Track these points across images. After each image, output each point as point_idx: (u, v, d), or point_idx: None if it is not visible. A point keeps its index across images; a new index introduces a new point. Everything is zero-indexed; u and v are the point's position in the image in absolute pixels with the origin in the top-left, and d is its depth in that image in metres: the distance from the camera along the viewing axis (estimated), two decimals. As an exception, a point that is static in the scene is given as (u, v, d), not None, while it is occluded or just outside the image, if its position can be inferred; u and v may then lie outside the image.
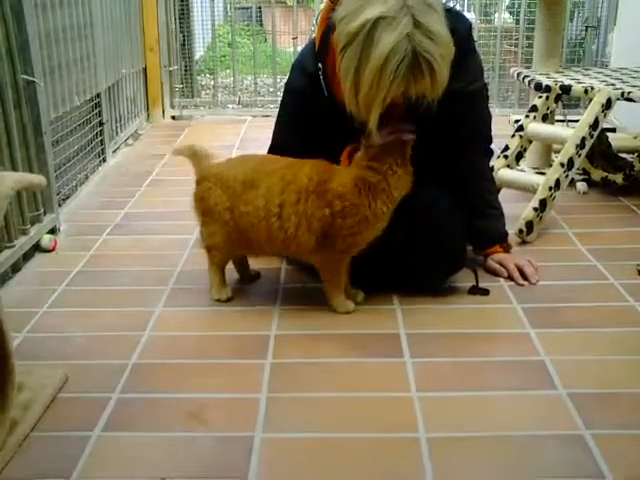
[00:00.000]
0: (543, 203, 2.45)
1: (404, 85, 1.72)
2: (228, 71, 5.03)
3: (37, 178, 1.55)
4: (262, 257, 2.10)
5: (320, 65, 1.95)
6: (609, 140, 2.99)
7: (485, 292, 2.04)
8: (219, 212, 1.93)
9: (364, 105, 1.76)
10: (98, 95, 3.37)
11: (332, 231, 1.86)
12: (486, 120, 2.18)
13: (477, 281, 2.05)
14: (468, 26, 2.04)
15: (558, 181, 2.49)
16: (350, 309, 1.96)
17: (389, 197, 1.85)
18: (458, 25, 1.91)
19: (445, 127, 1.99)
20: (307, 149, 1.93)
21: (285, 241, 1.89)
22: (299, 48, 4.27)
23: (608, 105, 2.60)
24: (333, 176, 1.87)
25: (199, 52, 5.16)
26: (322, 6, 1.98)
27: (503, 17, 4.75)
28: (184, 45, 4.61)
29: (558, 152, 2.64)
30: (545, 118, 2.76)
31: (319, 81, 1.96)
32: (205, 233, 2.02)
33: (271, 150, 2.13)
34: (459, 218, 2.04)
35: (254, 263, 2.17)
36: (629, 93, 2.62)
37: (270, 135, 2.17)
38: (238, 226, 1.93)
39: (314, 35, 2.01)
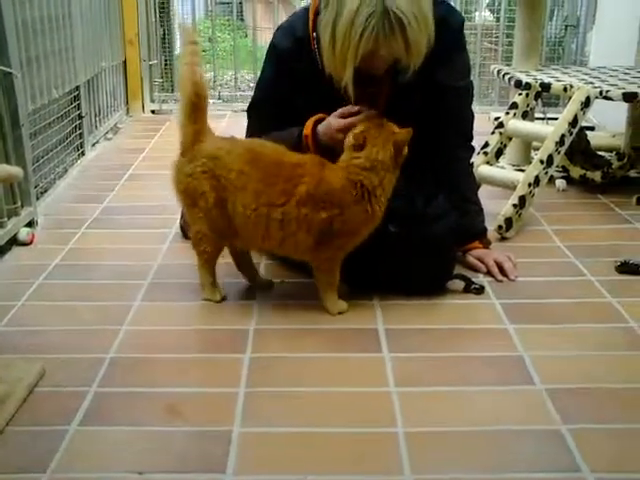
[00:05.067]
0: (522, 200, 2.46)
1: (374, 40, 1.76)
2: (208, 66, 5.00)
3: (14, 169, 1.55)
4: (248, 250, 2.02)
5: (315, 34, 1.94)
6: (588, 138, 3.01)
7: (480, 290, 2.03)
8: (206, 199, 1.85)
9: (339, 61, 1.81)
10: (77, 88, 3.34)
11: (330, 232, 1.82)
12: (469, 118, 2.20)
13: (470, 280, 2.03)
14: (461, 21, 2.07)
15: (537, 178, 2.50)
16: (344, 309, 1.92)
17: (384, 199, 1.84)
18: (451, 17, 1.96)
19: (428, 122, 1.99)
20: (285, 117, 1.96)
21: (283, 240, 1.84)
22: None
23: (587, 103, 2.61)
24: (330, 178, 1.81)
25: (179, 46, 5.13)
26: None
27: (484, 15, 4.78)
28: (164, 39, 4.59)
29: (538, 149, 2.65)
30: (525, 115, 2.77)
31: (306, 49, 1.95)
32: (189, 216, 1.94)
33: (250, 109, 2.16)
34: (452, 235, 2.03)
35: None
36: (607, 92, 2.64)
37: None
38: (229, 217, 1.85)
39: (309, 1, 2.01)
